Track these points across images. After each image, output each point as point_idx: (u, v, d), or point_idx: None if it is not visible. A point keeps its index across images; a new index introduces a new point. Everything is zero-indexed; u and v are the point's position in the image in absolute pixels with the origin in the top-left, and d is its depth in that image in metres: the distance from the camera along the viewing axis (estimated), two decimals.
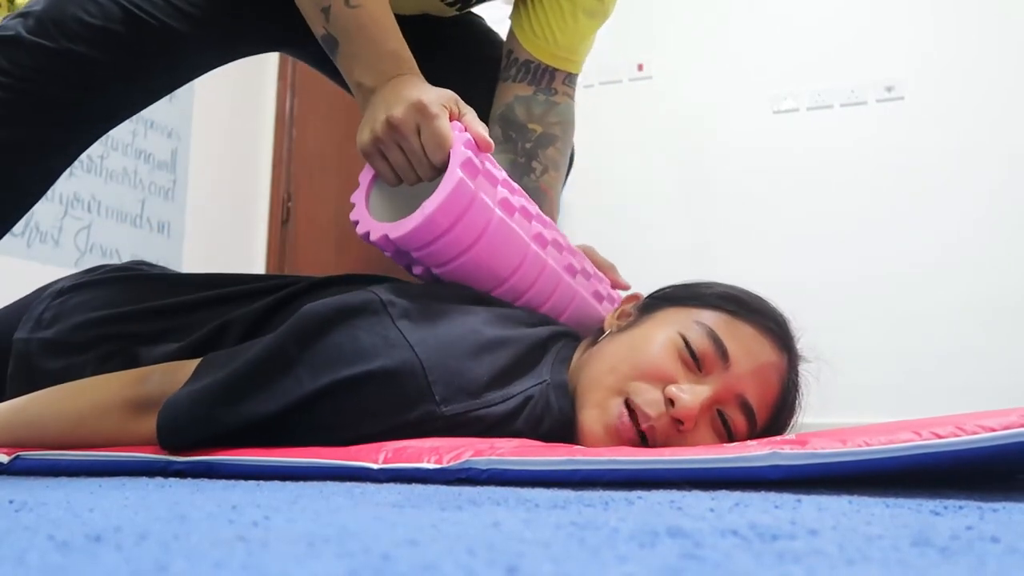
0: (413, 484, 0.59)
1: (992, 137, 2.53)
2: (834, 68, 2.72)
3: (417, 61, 0.86)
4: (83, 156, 2.52)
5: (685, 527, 0.33)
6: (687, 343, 0.73)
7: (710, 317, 0.75)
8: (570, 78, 1.06)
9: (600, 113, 2.98)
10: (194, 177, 2.98)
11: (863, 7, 2.74)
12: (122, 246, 2.66)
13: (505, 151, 1.03)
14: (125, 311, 0.86)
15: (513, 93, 1.04)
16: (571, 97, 1.08)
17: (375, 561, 0.25)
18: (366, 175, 0.85)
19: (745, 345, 0.74)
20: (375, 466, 0.62)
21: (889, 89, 2.66)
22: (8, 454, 0.71)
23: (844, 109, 2.70)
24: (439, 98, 0.78)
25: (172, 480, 0.63)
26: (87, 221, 2.54)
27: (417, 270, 0.84)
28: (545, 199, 1.01)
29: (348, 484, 0.59)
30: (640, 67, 2.94)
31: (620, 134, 2.91)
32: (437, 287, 0.81)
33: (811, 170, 2.68)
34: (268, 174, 3.33)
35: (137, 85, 0.97)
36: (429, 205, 0.75)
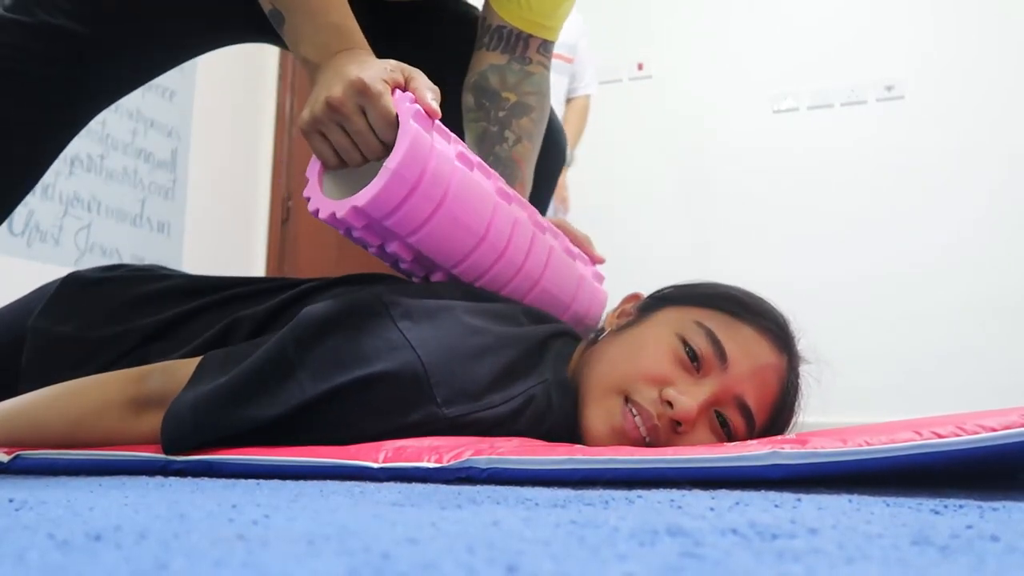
0: (413, 483, 0.59)
1: (992, 136, 2.53)
2: (834, 67, 2.72)
3: (384, 48, 0.83)
4: (83, 155, 2.53)
5: (685, 526, 0.33)
6: (686, 344, 0.73)
7: (710, 318, 0.75)
8: (545, 46, 1.03)
9: (600, 112, 2.99)
10: (194, 177, 2.98)
11: (863, 7, 2.74)
12: (122, 245, 2.66)
13: (477, 119, 1.01)
14: (142, 313, 0.86)
15: (487, 61, 1.02)
16: (546, 67, 1.05)
17: (375, 560, 0.25)
18: (315, 163, 0.81)
19: (744, 346, 0.74)
20: (375, 465, 0.62)
21: (889, 88, 2.66)
22: (8, 453, 0.71)
23: (844, 108, 2.70)
24: (380, 72, 0.75)
25: (172, 479, 0.63)
26: (87, 220, 2.54)
27: (391, 247, 0.79)
28: (517, 170, 0.99)
29: (348, 483, 0.59)
30: (640, 66, 2.94)
31: (620, 133, 2.91)
32: (437, 286, 0.80)
33: (811, 169, 2.68)
34: (268, 174, 3.33)
35: (118, 62, 0.95)
36: (391, 162, 0.72)
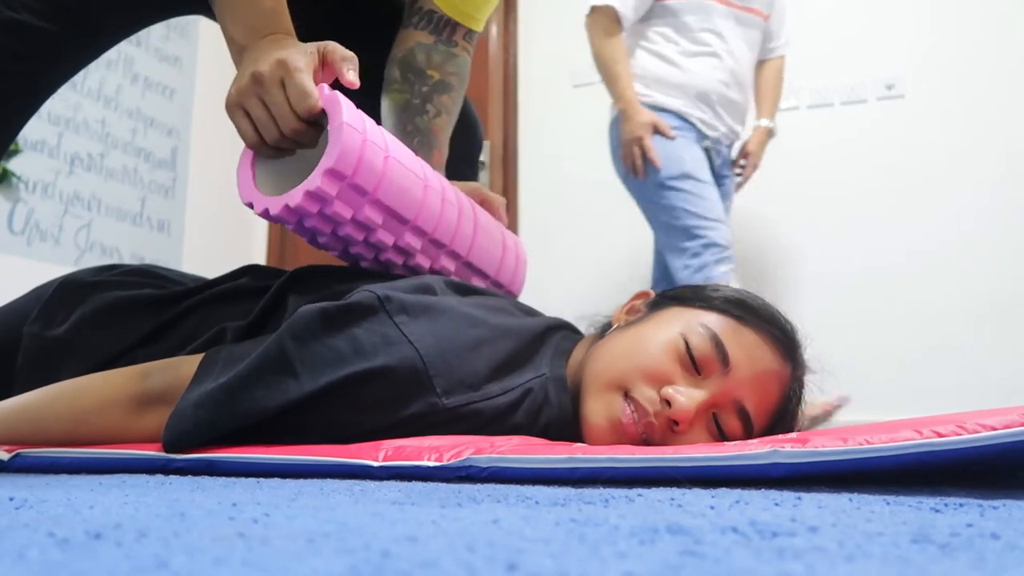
0: (413, 482, 0.59)
1: (992, 135, 2.53)
2: (834, 66, 2.72)
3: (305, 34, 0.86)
4: (83, 154, 2.53)
5: (685, 524, 0.33)
6: (688, 345, 0.73)
7: (715, 321, 0.75)
8: (470, 34, 1.09)
9: (600, 111, 2.98)
10: (194, 175, 2.98)
11: (863, 5, 2.73)
12: (122, 244, 2.66)
13: (401, 91, 1.06)
14: (132, 318, 0.87)
15: (415, 40, 1.07)
16: (468, 53, 1.10)
17: (375, 558, 0.25)
18: (244, 165, 0.83)
19: (747, 351, 0.74)
20: (375, 463, 0.62)
21: (889, 87, 2.66)
22: (9, 451, 0.71)
23: (844, 107, 2.70)
24: (301, 53, 0.78)
25: (172, 477, 0.63)
26: (87, 219, 2.54)
27: (370, 212, 0.81)
28: (436, 139, 1.05)
29: (348, 481, 0.59)
30: None
31: None
32: (430, 280, 0.81)
33: (811, 168, 2.68)
34: None
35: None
36: (337, 119, 0.76)
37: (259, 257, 3.22)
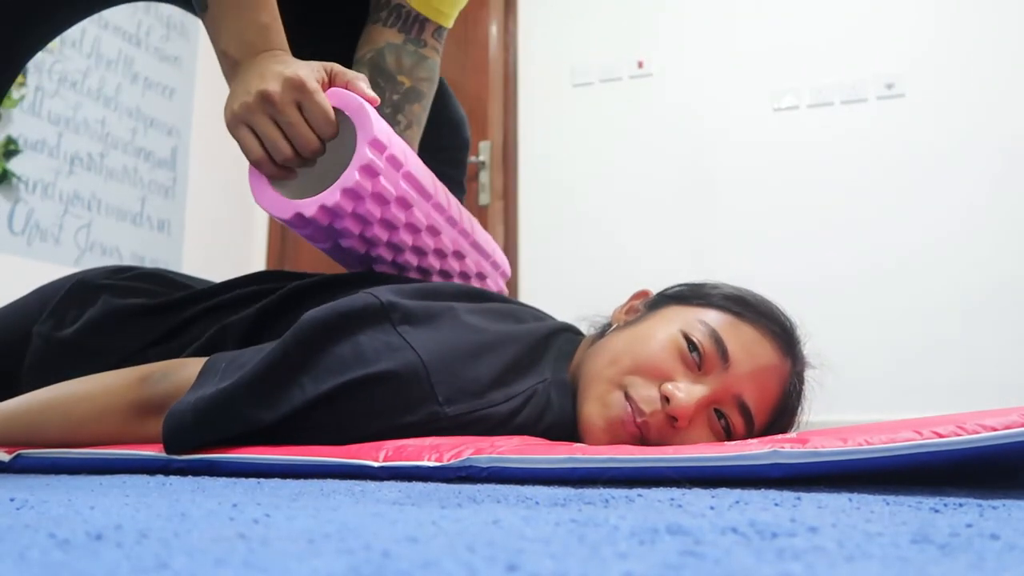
0: (413, 482, 0.59)
1: (993, 135, 2.53)
2: (834, 65, 2.72)
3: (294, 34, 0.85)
4: (83, 154, 2.53)
5: (685, 525, 0.33)
6: (688, 341, 0.73)
7: (714, 317, 0.75)
8: (439, 32, 1.06)
9: (600, 110, 2.98)
10: (194, 175, 2.98)
11: (864, 4, 2.73)
12: (122, 244, 2.66)
13: None
14: (140, 321, 0.86)
15: (384, 39, 1.03)
16: (438, 53, 1.07)
17: (375, 558, 0.25)
18: (255, 179, 0.82)
19: (747, 347, 0.74)
20: (375, 464, 0.62)
21: (890, 86, 2.66)
22: (9, 452, 0.71)
23: (845, 106, 2.70)
24: (312, 72, 0.77)
25: (173, 478, 0.63)
26: (87, 219, 2.54)
27: (372, 231, 0.82)
28: None
29: (348, 482, 0.59)
30: (640, 64, 2.93)
31: (620, 131, 2.91)
32: (436, 285, 0.81)
33: (811, 167, 2.68)
34: None
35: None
36: (367, 133, 0.77)
37: (259, 256, 3.22)
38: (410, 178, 0.83)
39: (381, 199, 0.80)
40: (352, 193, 0.77)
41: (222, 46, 0.82)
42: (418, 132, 1.05)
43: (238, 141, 0.79)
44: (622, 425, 0.72)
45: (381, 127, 0.79)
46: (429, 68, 1.05)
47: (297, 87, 0.75)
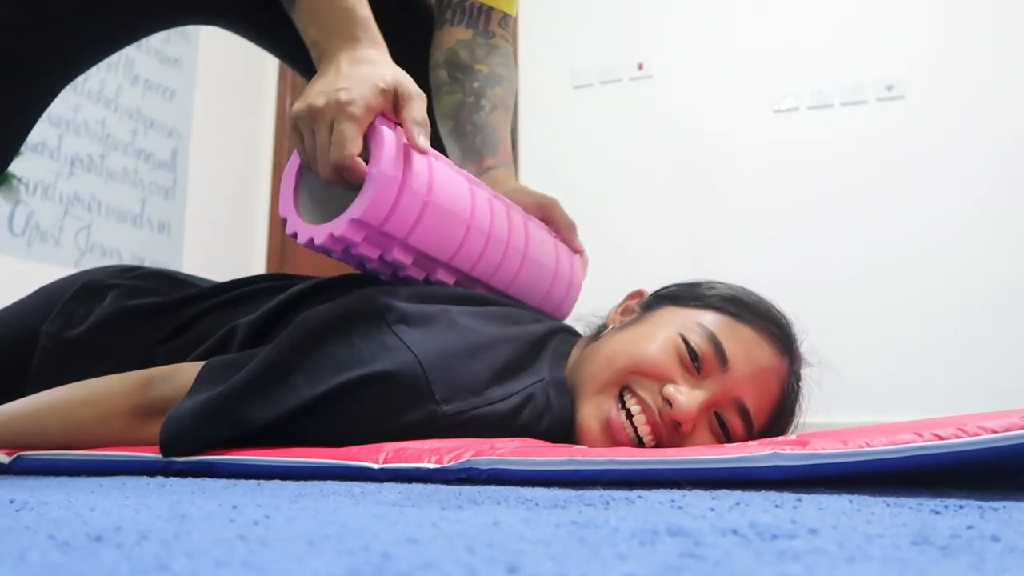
0: (413, 483, 0.59)
1: (992, 138, 2.53)
2: (834, 67, 2.72)
3: None
4: (83, 156, 2.53)
5: (685, 526, 0.33)
6: (687, 344, 0.73)
7: (711, 319, 0.75)
8: (505, 19, 1.07)
9: (600, 112, 2.99)
10: (194, 176, 2.98)
11: (864, 6, 2.74)
12: (122, 246, 2.66)
13: (452, 92, 1.03)
14: (148, 321, 0.87)
15: (454, 37, 1.04)
16: (508, 41, 1.08)
17: (375, 559, 0.25)
18: (289, 177, 0.80)
19: (745, 348, 0.74)
20: (375, 466, 0.62)
21: (889, 88, 2.66)
22: (9, 454, 0.71)
23: (844, 108, 2.70)
24: (370, 94, 0.73)
25: (173, 480, 0.63)
26: (87, 220, 2.54)
27: (391, 255, 0.79)
28: (497, 135, 1.01)
29: (348, 483, 0.59)
30: (640, 66, 2.94)
31: (620, 133, 2.91)
32: (432, 288, 0.81)
33: (811, 169, 2.68)
34: (268, 174, 3.33)
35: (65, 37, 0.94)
36: (369, 173, 0.73)
37: (259, 258, 3.22)
38: (410, 247, 0.79)
39: (388, 236, 0.77)
40: (355, 228, 0.74)
41: (311, 35, 0.81)
42: (504, 114, 1.04)
43: (291, 140, 0.79)
44: (615, 428, 0.72)
45: (380, 197, 0.73)
46: (503, 54, 1.06)
47: (339, 108, 0.73)
